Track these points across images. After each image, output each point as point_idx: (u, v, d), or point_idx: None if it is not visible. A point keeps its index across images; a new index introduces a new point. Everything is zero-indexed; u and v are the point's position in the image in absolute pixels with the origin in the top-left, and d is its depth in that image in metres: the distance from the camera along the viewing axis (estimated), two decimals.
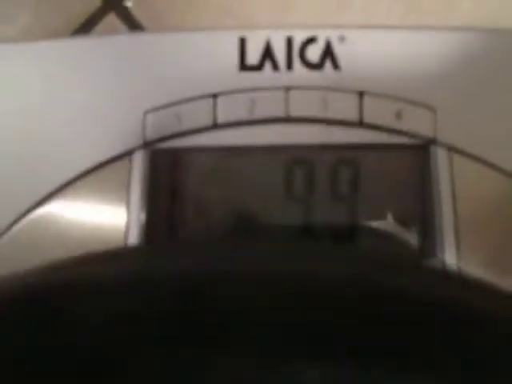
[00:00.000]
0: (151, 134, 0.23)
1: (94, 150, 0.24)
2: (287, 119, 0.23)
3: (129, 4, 0.33)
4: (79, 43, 0.25)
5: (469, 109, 0.23)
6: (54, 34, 0.31)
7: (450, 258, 0.22)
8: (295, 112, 0.23)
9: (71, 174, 0.24)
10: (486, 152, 0.23)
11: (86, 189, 0.24)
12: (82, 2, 0.32)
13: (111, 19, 0.32)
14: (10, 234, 0.24)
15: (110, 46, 0.24)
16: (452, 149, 0.23)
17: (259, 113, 0.23)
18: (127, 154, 0.24)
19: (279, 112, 0.23)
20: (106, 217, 0.24)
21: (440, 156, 0.23)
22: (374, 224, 0.23)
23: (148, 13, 0.31)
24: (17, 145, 0.24)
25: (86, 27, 0.31)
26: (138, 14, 0.32)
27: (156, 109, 0.23)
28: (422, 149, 0.23)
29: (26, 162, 0.24)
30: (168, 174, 0.23)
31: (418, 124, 0.23)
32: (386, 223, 0.23)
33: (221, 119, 0.23)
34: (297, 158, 0.23)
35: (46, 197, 0.24)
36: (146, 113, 0.23)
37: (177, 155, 0.23)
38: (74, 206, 0.24)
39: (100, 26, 0.31)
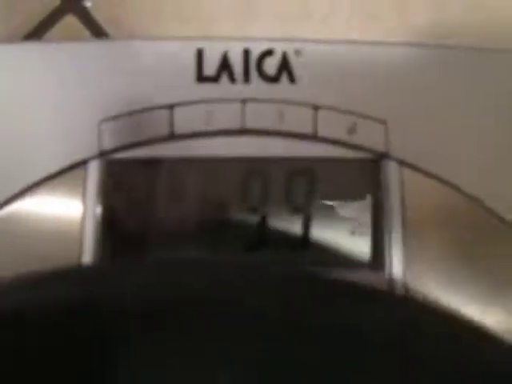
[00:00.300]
0: (107, 144, 0.23)
1: (49, 159, 0.24)
2: (243, 131, 0.23)
3: (88, 4, 0.32)
4: (34, 48, 0.25)
5: (420, 125, 0.23)
6: (9, 36, 0.31)
7: (397, 267, 0.23)
8: (251, 124, 0.23)
9: (25, 184, 0.24)
10: (436, 166, 0.23)
11: (42, 198, 0.24)
12: (39, 1, 0.31)
13: (69, 20, 0.31)
14: None
15: (64, 52, 0.24)
16: (403, 163, 0.23)
17: (216, 124, 0.23)
18: (82, 163, 0.23)
19: (235, 124, 0.23)
20: (61, 226, 0.24)
21: (391, 170, 0.23)
22: (327, 234, 0.24)
23: (106, 15, 0.30)
24: None
25: (42, 28, 0.31)
26: (97, 15, 0.31)
27: (112, 118, 0.23)
28: (374, 163, 0.23)
29: None
30: (123, 184, 0.23)
31: (371, 138, 0.23)
32: (339, 233, 0.24)
33: (177, 130, 0.23)
34: (252, 169, 0.24)
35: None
36: (101, 122, 0.23)
37: (132, 166, 0.23)
38: (29, 215, 0.24)
39: (57, 27, 0.31)
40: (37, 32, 0.31)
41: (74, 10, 0.32)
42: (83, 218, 0.23)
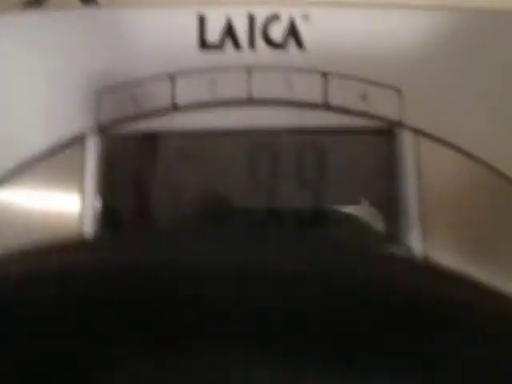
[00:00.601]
0: (105, 117, 0.22)
1: (44, 135, 0.22)
2: (250, 101, 0.22)
3: None
4: (30, 18, 0.23)
5: (435, 91, 0.22)
6: (9, 4, 0.29)
7: (415, 242, 0.22)
8: (258, 93, 0.22)
9: (20, 160, 0.22)
10: (452, 135, 0.22)
11: (38, 176, 0.22)
12: None
13: None
14: None
15: (62, 21, 0.23)
16: (418, 131, 0.22)
17: (220, 94, 0.22)
18: (80, 138, 0.22)
19: (241, 93, 0.22)
20: (58, 206, 0.22)
21: (406, 139, 0.22)
22: (340, 209, 0.23)
23: None
24: None
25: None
26: None
27: (111, 90, 0.22)
28: (388, 132, 0.22)
29: None
30: (123, 159, 0.22)
31: (384, 106, 0.22)
32: (352, 207, 0.23)
33: (180, 101, 0.22)
34: (260, 141, 0.22)
35: None
36: (99, 94, 0.22)
37: (133, 140, 0.22)
38: (25, 193, 0.23)
39: None
40: (34, 3, 0.29)
41: None
42: (82, 193, 0.22)
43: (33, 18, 0.23)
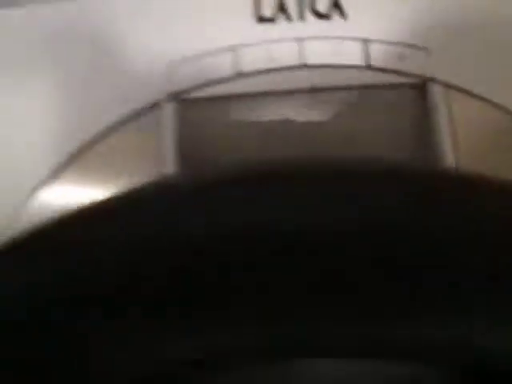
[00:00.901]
0: (177, 86, 0.25)
1: (119, 104, 0.26)
2: (302, 67, 0.25)
3: None
4: None
5: (464, 47, 0.26)
6: None
7: None
8: (309, 60, 0.25)
9: (96, 131, 0.26)
10: (479, 87, 0.26)
11: (114, 143, 0.26)
12: None
13: None
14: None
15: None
16: (449, 86, 0.26)
17: (276, 62, 0.25)
18: (154, 106, 0.25)
19: (294, 60, 0.25)
20: (135, 172, 0.25)
21: (437, 93, 0.26)
22: (376, 159, 0.26)
23: None
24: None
25: None
26: None
27: (180, 61, 0.25)
28: (421, 87, 0.26)
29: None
30: (196, 122, 0.26)
31: (418, 65, 0.26)
32: (390, 156, 0.26)
33: (242, 69, 0.25)
34: (312, 99, 0.26)
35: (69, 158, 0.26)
36: (170, 65, 0.25)
37: (203, 104, 0.25)
38: (101, 160, 0.26)
39: None
40: None
41: None
42: (160, 157, 0.25)
43: None
